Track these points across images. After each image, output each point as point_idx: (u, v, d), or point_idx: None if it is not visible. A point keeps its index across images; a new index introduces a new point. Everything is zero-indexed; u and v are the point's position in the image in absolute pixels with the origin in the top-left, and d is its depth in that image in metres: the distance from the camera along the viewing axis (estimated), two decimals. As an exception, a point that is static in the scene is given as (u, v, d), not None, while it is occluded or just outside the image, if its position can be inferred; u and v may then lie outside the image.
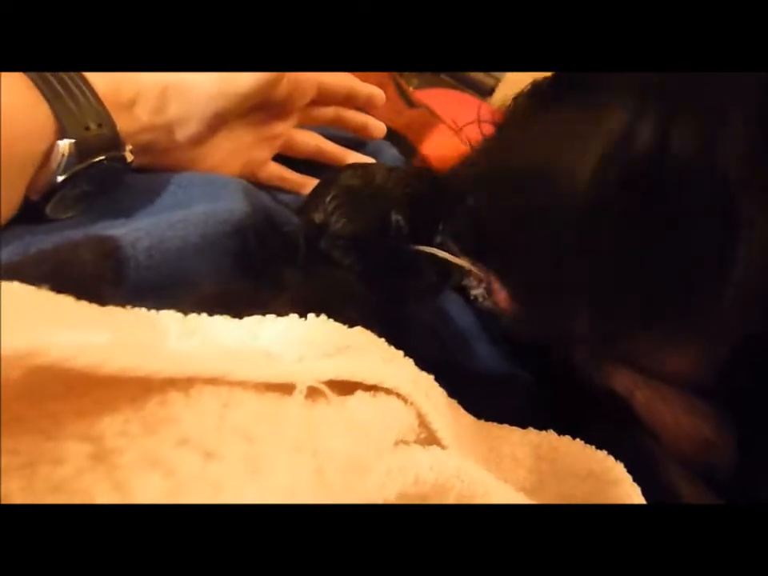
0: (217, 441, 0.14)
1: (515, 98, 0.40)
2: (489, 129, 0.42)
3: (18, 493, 0.13)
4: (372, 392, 0.21)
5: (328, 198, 0.38)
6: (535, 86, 0.38)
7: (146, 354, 0.14)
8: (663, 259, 0.25)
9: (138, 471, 0.13)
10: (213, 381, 0.16)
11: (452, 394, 0.31)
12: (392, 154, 0.57)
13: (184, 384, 0.15)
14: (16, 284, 0.15)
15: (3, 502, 0.13)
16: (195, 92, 0.37)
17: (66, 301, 0.15)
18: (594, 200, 0.24)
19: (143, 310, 0.19)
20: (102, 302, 0.18)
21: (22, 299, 0.14)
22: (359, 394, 0.20)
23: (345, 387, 0.20)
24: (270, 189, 0.46)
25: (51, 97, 0.30)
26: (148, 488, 0.13)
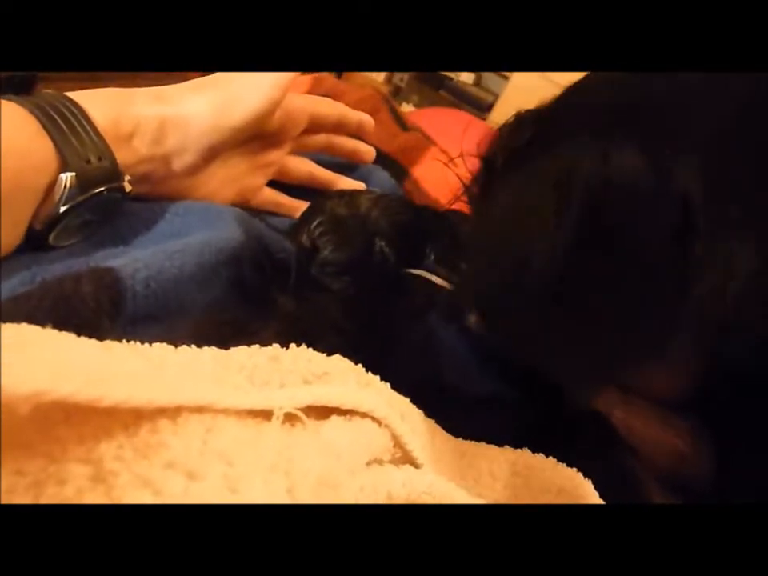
0: (200, 463, 0.16)
1: (500, 128, 0.41)
2: (475, 162, 0.43)
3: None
4: (347, 416, 0.23)
5: (314, 225, 0.40)
6: (517, 121, 0.39)
7: (140, 386, 0.16)
8: (627, 292, 0.26)
9: (131, 491, 0.15)
10: (199, 409, 0.18)
11: (435, 413, 0.32)
12: (383, 177, 0.59)
13: (172, 412, 0.17)
14: (24, 325, 0.17)
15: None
16: (191, 125, 0.39)
17: (68, 338, 0.17)
18: (567, 257, 0.25)
19: (138, 344, 0.21)
20: (101, 332, 0.20)
21: (29, 339, 0.16)
22: (334, 418, 0.22)
23: (322, 412, 0.22)
24: (263, 213, 0.48)
25: (54, 132, 0.32)
26: (139, 506, 0.15)
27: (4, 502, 0.15)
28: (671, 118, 0.26)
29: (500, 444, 0.35)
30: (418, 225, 0.43)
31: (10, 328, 0.16)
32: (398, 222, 0.42)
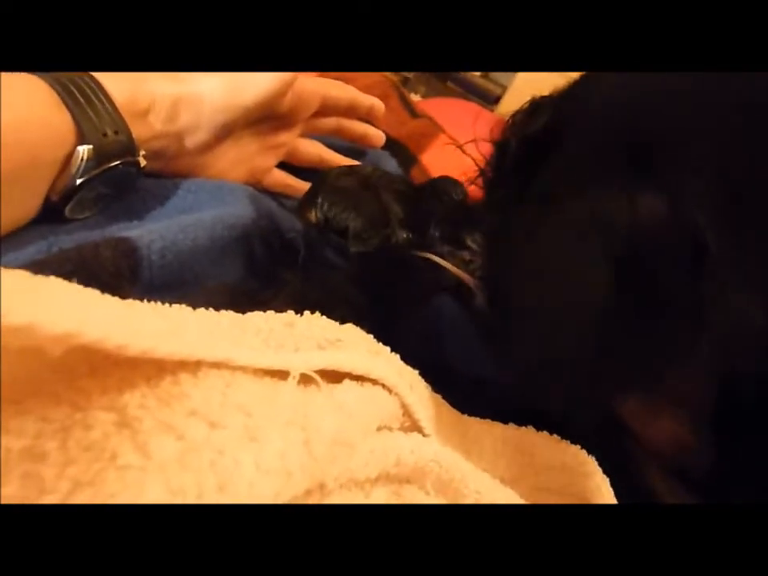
0: (220, 414, 0.17)
1: (513, 115, 0.41)
2: (487, 147, 0.43)
3: (55, 452, 0.15)
4: (359, 381, 0.24)
5: (320, 199, 0.41)
6: (531, 107, 0.39)
7: (163, 339, 0.17)
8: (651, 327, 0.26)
9: (156, 435, 0.15)
10: (218, 365, 0.19)
11: (438, 390, 0.33)
12: (391, 164, 0.60)
13: (193, 366, 0.18)
14: (52, 277, 0.17)
15: (40, 461, 0.16)
16: (205, 103, 0.40)
17: (93, 293, 0.18)
18: (606, 299, 0.25)
19: (159, 303, 0.21)
20: (121, 296, 0.21)
21: (58, 289, 0.17)
22: (347, 382, 0.23)
23: (335, 376, 0.23)
24: (275, 195, 0.49)
25: (72, 105, 0.33)
26: (163, 449, 0.15)
27: (32, 446, 0.16)
28: (685, 154, 0.25)
29: (504, 422, 0.35)
30: (419, 199, 0.44)
31: (39, 279, 0.16)
32: (403, 192, 0.42)
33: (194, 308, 0.23)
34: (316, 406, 0.20)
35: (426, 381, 0.31)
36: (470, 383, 0.40)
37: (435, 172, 0.66)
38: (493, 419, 0.35)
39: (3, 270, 0.14)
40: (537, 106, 0.39)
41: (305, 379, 0.21)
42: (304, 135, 0.52)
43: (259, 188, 0.46)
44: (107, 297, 0.18)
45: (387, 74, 0.78)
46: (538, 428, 0.34)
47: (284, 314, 0.24)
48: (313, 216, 0.41)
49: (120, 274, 0.26)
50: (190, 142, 0.41)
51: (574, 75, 0.41)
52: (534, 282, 0.28)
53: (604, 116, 0.30)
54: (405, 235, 0.41)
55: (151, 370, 0.18)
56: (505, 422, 0.35)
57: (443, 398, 0.34)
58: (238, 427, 0.17)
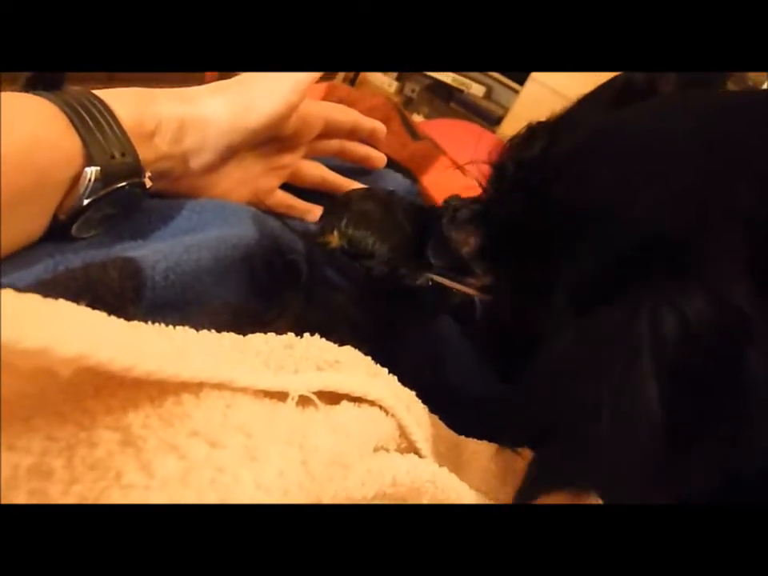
0: (221, 434, 0.18)
1: (511, 139, 0.42)
2: (487, 169, 0.44)
3: (61, 470, 0.16)
4: (357, 403, 0.24)
5: (344, 222, 0.41)
6: (529, 132, 0.40)
7: (167, 361, 0.17)
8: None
9: (159, 454, 0.16)
10: (219, 386, 0.19)
11: (438, 410, 0.33)
12: (395, 177, 0.60)
13: (195, 387, 0.19)
14: (62, 301, 0.18)
15: (46, 478, 0.16)
16: (210, 126, 0.40)
17: (101, 316, 0.18)
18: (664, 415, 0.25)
19: (162, 325, 0.22)
20: (126, 317, 0.21)
21: (69, 313, 0.17)
22: (345, 403, 0.23)
23: (333, 397, 0.24)
24: (278, 215, 0.50)
25: (81, 128, 0.33)
26: (166, 468, 0.16)
27: (38, 463, 0.16)
28: (717, 248, 0.26)
29: (500, 443, 0.36)
30: (428, 222, 0.44)
31: (48, 302, 0.17)
32: (412, 215, 0.43)
33: (197, 328, 0.24)
34: (314, 426, 0.20)
35: (426, 400, 0.32)
36: (470, 403, 0.41)
37: (436, 194, 0.66)
38: (490, 439, 0.36)
39: (17, 295, 0.15)
40: (533, 131, 0.40)
41: (303, 400, 0.22)
42: (307, 157, 0.52)
43: (262, 208, 0.47)
44: (114, 319, 0.19)
45: (389, 96, 0.79)
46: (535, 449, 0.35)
47: (284, 336, 0.25)
48: (335, 239, 0.41)
49: (124, 295, 0.27)
50: (195, 163, 0.41)
51: (573, 98, 0.42)
52: (579, 390, 0.28)
53: (619, 209, 0.30)
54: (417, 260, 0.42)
55: (154, 390, 0.18)
56: (503, 441, 0.36)
57: (442, 417, 0.34)
58: (237, 447, 0.17)
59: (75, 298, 0.19)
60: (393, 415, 0.26)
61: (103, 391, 0.18)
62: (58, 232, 0.35)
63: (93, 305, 0.19)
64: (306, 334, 0.26)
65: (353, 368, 0.26)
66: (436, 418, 0.33)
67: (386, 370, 0.28)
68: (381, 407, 0.25)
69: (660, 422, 0.23)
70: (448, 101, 2.46)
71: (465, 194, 0.48)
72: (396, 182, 0.59)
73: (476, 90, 2.43)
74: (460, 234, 0.41)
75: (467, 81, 2.40)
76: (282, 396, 0.21)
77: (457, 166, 0.57)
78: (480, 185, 0.44)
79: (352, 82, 2.37)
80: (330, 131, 0.51)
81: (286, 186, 0.52)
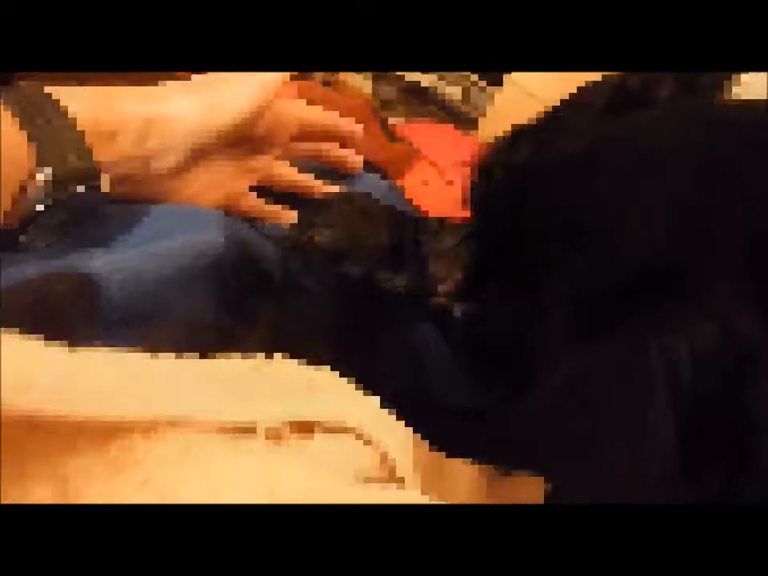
0: (177, 481, 0.15)
1: (495, 142, 0.41)
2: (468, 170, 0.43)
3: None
4: (333, 431, 0.22)
5: (322, 226, 0.39)
6: (513, 136, 0.39)
7: (112, 399, 0.15)
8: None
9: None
10: (174, 423, 0.17)
11: (418, 421, 0.32)
12: (372, 179, 0.59)
13: (146, 426, 0.16)
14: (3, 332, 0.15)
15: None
16: (177, 125, 0.38)
17: (36, 347, 0.16)
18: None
19: (112, 352, 0.19)
20: (77, 335, 0.19)
21: (7, 349, 0.15)
22: (319, 435, 0.21)
23: (306, 427, 0.21)
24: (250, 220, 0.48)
25: (31, 129, 0.31)
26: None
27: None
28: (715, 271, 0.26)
29: (482, 454, 0.34)
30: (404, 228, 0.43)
31: None
32: (389, 221, 0.41)
33: (157, 347, 0.22)
34: (284, 461, 0.18)
35: (405, 412, 0.30)
36: (451, 413, 0.40)
37: (413, 196, 0.65)
38: (473, 452, 0.35)
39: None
40: (517, 134, 0.39)
41: (273, 432, 0.19)
42: (281, 159, 0.50)
43: (234, 212, 0.45)
44: (52, 350, 0.16)
45: (367, 97, 0.78)
46: (518, 465, 0.34)
47: (251, 359, 0.23)
48: (309, 242, 0.39)
49: (76, 312, 0.24)
50: (161, 165, 0.39)
51: (552, 102, 0.41)
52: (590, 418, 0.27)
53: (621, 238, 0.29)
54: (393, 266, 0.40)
55: (101, 431, 0.16)
56: (486, 453, 0.34)
57: (421, 429, 0.33)
58: (196, 495, 0.15)
59: (30, 308, 0.17)
60: (371, 443, 0.24)
61: (38, 432, 0.16)
62: (10, 241, 0.32)
63: (42, 321, 0.17)
64: (277, 355, 0.24)
65: (328, 391, 0.24)
66: (417, 437, 0.31)
67: (360, 392, 0.26)
68: (359, 435, 0.23)
69: (676, 454, 0.23)
70: (425, 103, 2.46)
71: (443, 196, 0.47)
72: (374, 184, 0.58)
73: (452, 92, 2.43)
74: (440, 269, 0.40)
75: (442, 83, 2.41)
76: (249, 429, 0.19)
77: (436, 171, 0.56)
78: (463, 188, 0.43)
79: (328, 83, 2.35)
80: (305, 133, 0.49)
81: (258, 190, 0.50)
